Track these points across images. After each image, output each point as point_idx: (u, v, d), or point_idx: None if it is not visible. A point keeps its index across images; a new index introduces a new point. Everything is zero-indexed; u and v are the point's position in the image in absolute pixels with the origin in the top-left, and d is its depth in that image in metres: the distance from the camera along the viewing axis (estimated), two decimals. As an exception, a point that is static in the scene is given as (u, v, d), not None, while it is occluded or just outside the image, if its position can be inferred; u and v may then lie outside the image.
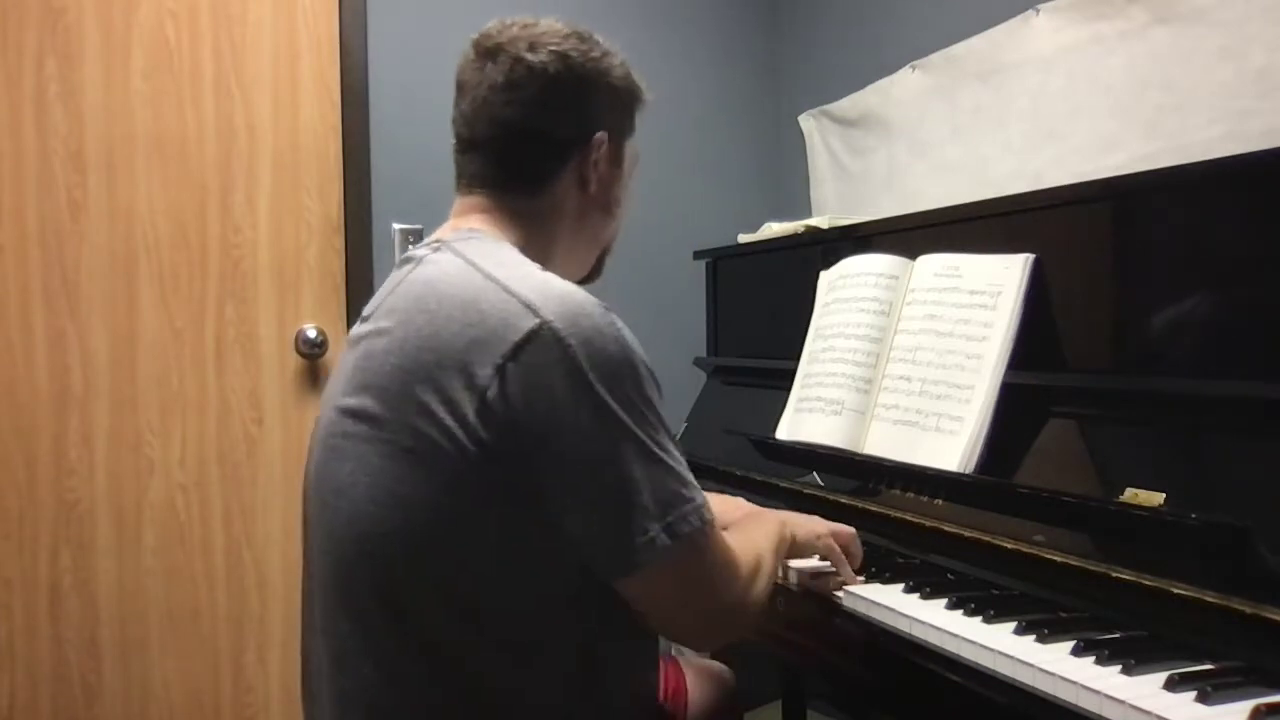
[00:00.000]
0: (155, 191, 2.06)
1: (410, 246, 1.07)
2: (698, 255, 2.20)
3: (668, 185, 2.64)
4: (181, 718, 2.09)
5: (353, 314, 2.21)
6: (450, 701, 0.90)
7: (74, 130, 1.99)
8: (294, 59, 2.17)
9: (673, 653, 1.42)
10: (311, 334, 2.16)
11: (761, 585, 0.98)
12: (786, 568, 1.21)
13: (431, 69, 2.30)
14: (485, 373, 0.85)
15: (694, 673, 1.31)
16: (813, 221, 1.98)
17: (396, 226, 2.27)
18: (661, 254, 2.56)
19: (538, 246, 1.02)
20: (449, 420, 0.85)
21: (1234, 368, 1.06)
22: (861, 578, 1.18)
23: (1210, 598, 0.90)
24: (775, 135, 2.78)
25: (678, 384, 2.21)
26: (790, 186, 2.73)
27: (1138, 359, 1.17)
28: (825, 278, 1.63)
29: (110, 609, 2.03)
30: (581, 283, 1.08)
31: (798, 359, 1.61)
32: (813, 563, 1.21)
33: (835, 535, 1.18)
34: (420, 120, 2.28)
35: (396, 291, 0.98)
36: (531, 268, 0.94)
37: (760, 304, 2.03)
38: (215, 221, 2.11)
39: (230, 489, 2.13)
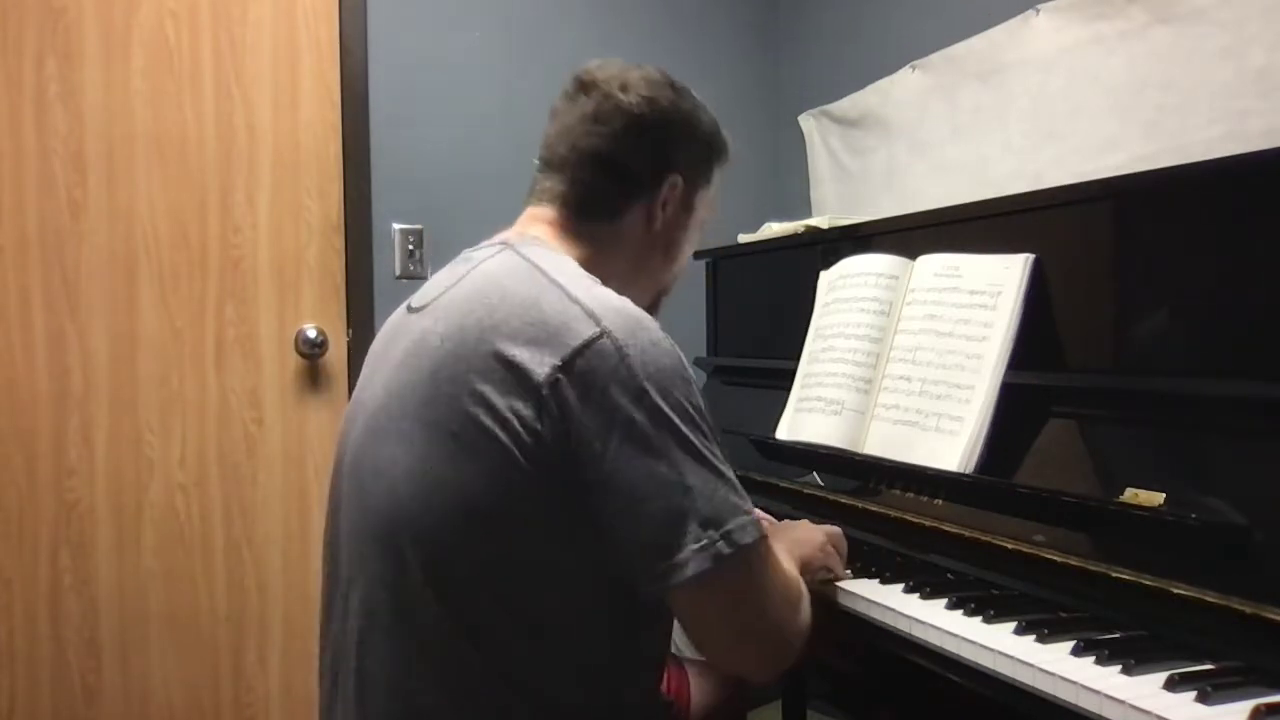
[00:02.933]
0: (155, 191, 2.06)
1: (466, 251, 1.08)
2: (698, 255, 2.19)
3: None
4: (181, 718, 2.09)
5: (353, 314, 2.21)
6: (470, 685, 0.90)
7: (74, 130, 1.99)
8: (294, 59, 2.17)
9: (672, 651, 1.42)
10: (311, 334, 2.16)
11: (807, 613, 0.97)
12: None
13: (431, 69, 2.30)
14: (543, 372, 0.85)
15: (696, 673, 1.31)
16: (813, 221, 1.97)
17: (396, 226, 2.27)
18: (661, 254, 2.56)
19: (596, 269, 1.03)
20: (504, 411, 0.86)
21: (1234, 368, 1.06)
22: (848, 572, 1.18)
23: (1210, 598, 0.90)
24: (775, 135, 2.78)
25: (678, 384, 2.20)
26: (790, 186, 2.73)
27: (1138, 359, 1.17)
28: (825, 278, 1.63)
29: (110, 609, 2.03)
30: None
31: (798, 359, 1.61)
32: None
33: (831, 539, 1.18)
34: (420, 120, 2.29)
35: (459, 285, 0.98)
36: (592, 281, 0.96)
37: (760, 304, 2.03)
38: (215, 221, 2.11)
39: (230, 489, 2.13)
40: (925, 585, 1.11)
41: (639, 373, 0.86)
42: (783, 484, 1.57)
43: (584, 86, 1.08)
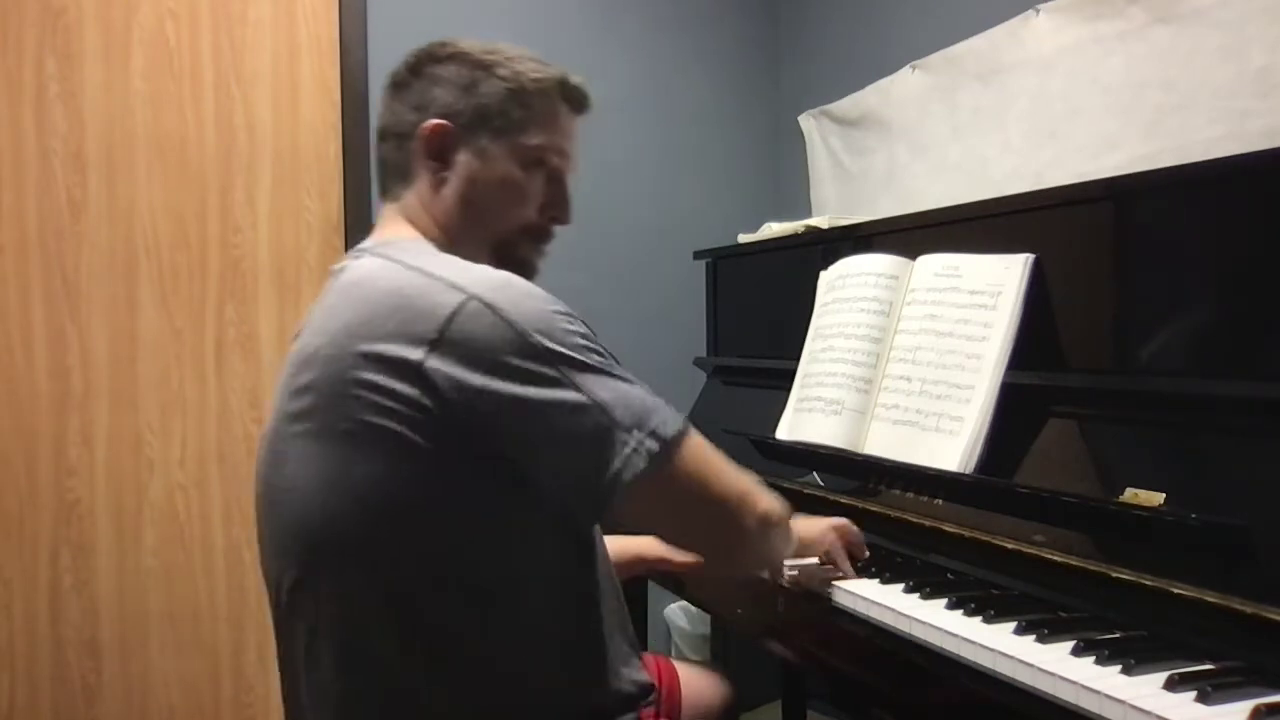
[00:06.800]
0: (155, 191, 2.06)
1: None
2: (698, 255, 2.20)
3: (668, 185, 2.64)
4: (181, 718, 2.09)
5: (353, 314, 2.21)
6: (415, 686, 0.91)
7: (74, 130, 1.99)
8: (294, 59, 2.17)
9: (672, 655, 1.42)
10: (311, 334, 2.16)
11: (767, 498, 0.99)
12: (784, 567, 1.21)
13: (431, 69, 2.30)
14: (419, 351, 0.86)
15: (689, 673, 1.31)
16: (813, 221, 1.97)
17: (396, 226, 2.27)
18: (661, 254, 2.56)
19: (437, 241, 1.04)
20: (388, 402, 0.86)
21: (1234, 368, 1.06)
22: (853, 575, 1.18)
23: (1210, 598, 0.90)
24: (775, 135, 2.78)
25: (678, 384, 2.20)
26: (790, 186, 2.73)
27: (1137, 359, 1.17)
28: (825, 278, 1.63)
29: (110, 609, 2.03)
30: None
31: (798, 359, 1.61)
32: (807, 560, 1.21)
33: (839, 531, 1.20)
34: (420, 120, 2.29)
35: (325, 299, 0.99)
36: (452, 258, 0.97)
37: (760, 304, 2.03)
38: (215, 221, 2.11)
39: (230, 489, 2.13)
40: (925, 585, 1.11)
41: (517, 322, 0.86)
42: (783, 484, 1.57)
43: None
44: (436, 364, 0.85)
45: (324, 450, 0.90)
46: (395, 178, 1.07)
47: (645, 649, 1.27)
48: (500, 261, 1.06)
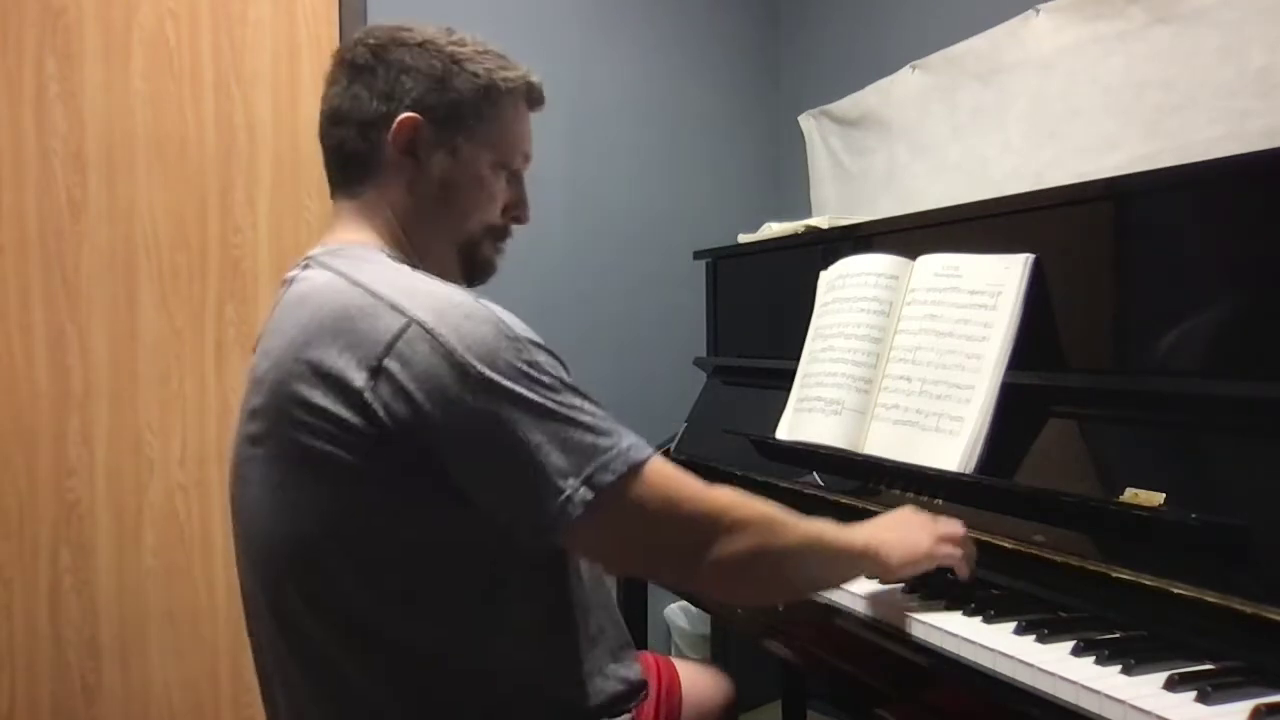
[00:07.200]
0: (155, 191, 2.06)
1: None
2: (698, 255, 2.19)
3: (668, 185, 2.64)
4: (181, 718, 2.09)
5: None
6: (382, 703, 0.91)
7: (74, 130, 1.99)
8: (294, 59, 2.17)
9: (672, 655, 1.42)
10: (311, 334, 2.16)
11: (752, 547, 0.90)
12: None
13: (431, 69, 2.30)
14: (360, 376, 0.84)
15: (688, 671, 1.30)
16: (813, 221, 1.98)
17: (396, 226, 2.27)
18: (661, 254, 2.56)
19: (396, 244, 1.02)
20: (328, 427, 0.85)
21: (1234, 368, 1.06)
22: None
23: (1210, 598, 0.90)
24: (775, 135, 2.78)
25: (678, 384, 2.20)
26: (790, 186, 2.73)
27: (1137, 359, 1.17)
28: (825, 278, 1.63)
29: (110, 609, 2.03)
30: (469, 284, 1.07)
31: (798, 359, 1.61)
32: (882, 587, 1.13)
33: (942, 540, 1.07)
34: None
35: (275, 314, 0.99)
36: (399, 271, 0.94)
37: (760, 304, 2.03)
38: (215, 221, 2.11)
39: (230, 489, 2.13)
40: (925, 585, 1.11)
41: (456, 348, 0.84)
42: (783, 484, 1.57)
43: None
44: (377, 391, 0.84)
45: (275, 473, 0.90)
46: (355, 168, 1.03)
47: (645, 648, 1.27)
48: (466, 262, 1.06)
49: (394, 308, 0.86)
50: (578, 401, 0.87)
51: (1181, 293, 1.12)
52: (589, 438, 0.86)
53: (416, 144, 1.01)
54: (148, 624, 2.06)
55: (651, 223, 2.60)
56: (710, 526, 0.89)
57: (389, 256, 0.98)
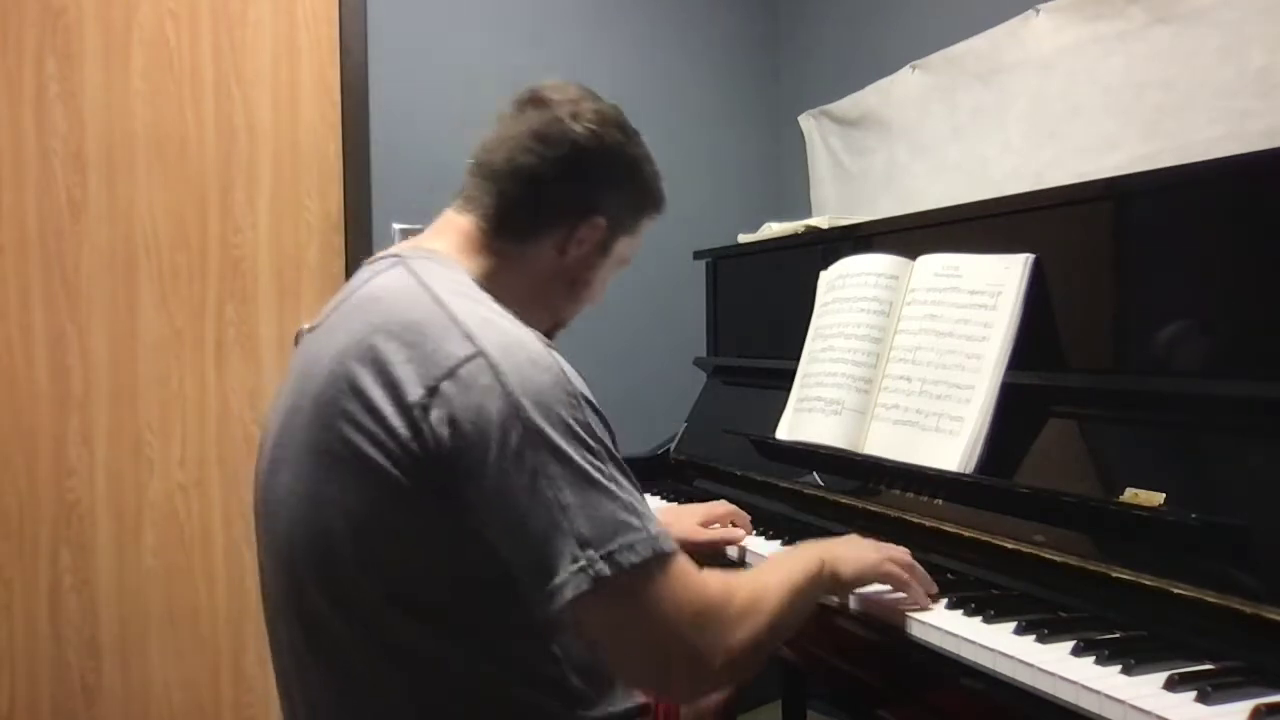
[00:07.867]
0: (155, 191, 2.06)
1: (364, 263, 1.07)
2: (698, 255, 2.20)
3: (668, 185, 2.64)
4: (181, 718, 2.09)
5: (353, 314, 2.21)
6: (399, 707, 0.90)
7: (74, 130, 1.99)
8: (294, 59, 2.17)
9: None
10: (311, 334, 2.16)
11: (754, 627, 0.91)
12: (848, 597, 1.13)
13: (431, 69, 2.30)
14: (417, 392, 0.84)
15: None
16: (813, 221, 1.97)
17: (396, 226, 2.27)
18: (661, 254, 2.55)
19: (495, 286, 1.01)
20: (377, 430, 0.85)
21: (1234, 368, 1.06)
22: (930, 602, 1.08)
23: (1210, 598, 0.90)
24: (775, 135, 2.78)
25: (678, 384, 2.20)
26: (790, 186, 2.73)
27: (1137, 359, 1.17)
28: (825, 278, 1.63)
29: (110, 609, 2.03)
30: None
31: (798, 359, 1.61)
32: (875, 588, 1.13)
33: (891, 560, 1.08)
34: (420, 120, 2.29)
35: (349, 300, 0.98)
36: (481, 302, 0.94)
37: (760, 304, 2.03)
38: (215, 221, 2.11)
39: (230, 489, 2.13)
40: (925, 585, 1.11)
41: (514, 391, 0.83)
42: (783, 484, 1.57)
43: (535, 102, 1.06)
44: (429, 410, 0.83)
45: (314, 465, 0.89)
46: (512, 225, 1.04)
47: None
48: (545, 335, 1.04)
49: (466, 335, 0.86)
50: (618, 474, 0.87)
51: (1181, 293, 1.12)
52: (621, 514, 0.84)
53: (586, 239, 1.07)
54: (148, 624, 2.06)
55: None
56: (726, 625, 0.88)
57: (480, 287, 0.98)
